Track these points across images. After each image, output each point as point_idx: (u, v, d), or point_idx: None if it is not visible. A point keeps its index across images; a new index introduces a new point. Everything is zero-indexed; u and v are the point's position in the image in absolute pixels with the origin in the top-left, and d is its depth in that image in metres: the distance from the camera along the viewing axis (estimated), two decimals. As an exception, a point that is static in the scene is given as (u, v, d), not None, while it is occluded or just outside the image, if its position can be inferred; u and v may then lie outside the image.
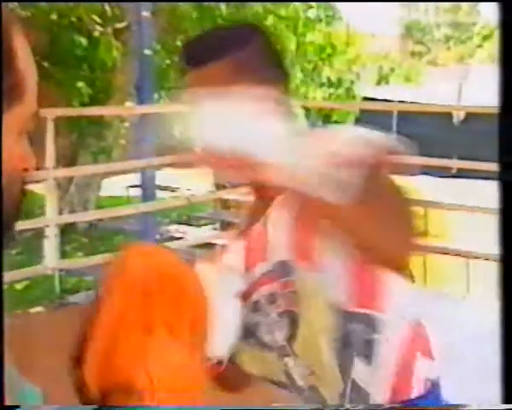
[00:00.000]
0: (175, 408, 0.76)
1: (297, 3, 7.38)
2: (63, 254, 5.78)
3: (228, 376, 1.11)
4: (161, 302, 0.81)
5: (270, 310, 1.10)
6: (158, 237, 6.20)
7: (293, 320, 1.09)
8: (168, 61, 6.98)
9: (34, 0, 6.08)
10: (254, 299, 1.11)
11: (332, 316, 1.06)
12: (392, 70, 10.22)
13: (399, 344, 1.09)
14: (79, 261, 6.11)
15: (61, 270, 5.50)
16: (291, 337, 1.10)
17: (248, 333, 1.12)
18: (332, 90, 8.16)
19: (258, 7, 6.93)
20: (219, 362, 1.06)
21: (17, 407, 0.70)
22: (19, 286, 6.05)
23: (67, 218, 6.60)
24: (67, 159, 7.37)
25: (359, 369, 1.07)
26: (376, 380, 1.08)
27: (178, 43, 6.92)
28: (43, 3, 6.30)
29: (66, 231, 6.51)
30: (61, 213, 7.38)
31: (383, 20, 21.42)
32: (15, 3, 6.77)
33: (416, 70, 12.42)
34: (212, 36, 1.13)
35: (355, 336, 1.06)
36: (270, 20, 7.02)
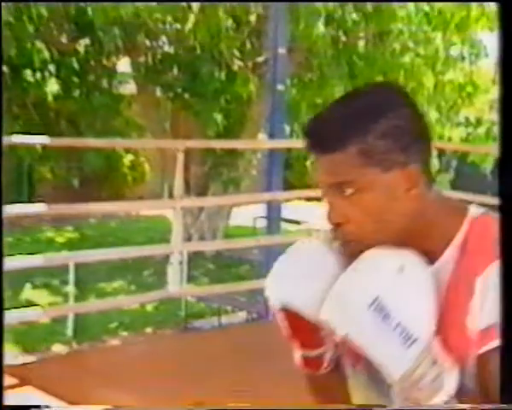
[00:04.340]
0: (175, 408, 0.76)
1: (438, 40, 7.19)
2: (191, 279, 5.98)
3: (327, 382, 1.12)
4: None
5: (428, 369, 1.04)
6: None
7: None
8: (301, 96, 7.07)
9: (36, 0, 6.12)
10: None
11: None
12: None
13: None
14: (203, 289, 6.28)
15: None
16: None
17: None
18: (470, 129, 7.83)
19: (396, 44, 6.84)
20: (319, 359, 1.08)
21: (17, 407, 0.72)
22: (149, 307, 6.31)
23: (189, 246, 6.82)
24: (200, 187, 7.65)
25: None
26: None
27: (313, 78, 6.99)
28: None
29: (194, 256, 6.74)
30: (190, 238, 7.64)
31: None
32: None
33: None
34: (336, 117, 1.01)
35: None
36: (407, 58, 6.91)
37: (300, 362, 1.10)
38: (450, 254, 1.02)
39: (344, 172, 0.99)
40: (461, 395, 0.96)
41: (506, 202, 0.90)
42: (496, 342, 0.96)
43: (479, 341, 0.98)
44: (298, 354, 1.09)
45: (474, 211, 1.05)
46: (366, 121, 0.99)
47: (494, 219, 1.02)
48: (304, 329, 1.04)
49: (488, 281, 0.98)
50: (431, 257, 1.02)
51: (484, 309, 0.98)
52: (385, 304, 0.93)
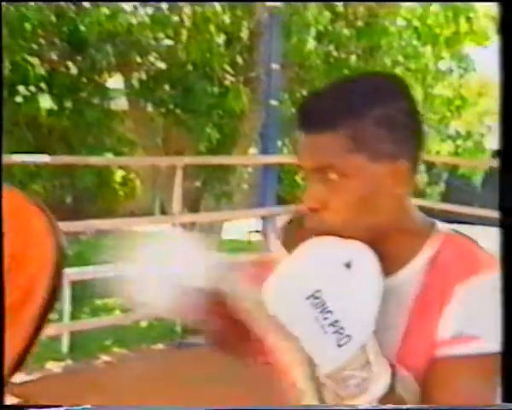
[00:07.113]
0: (174, 408, 0.77)
1: (428, 55, 7.28)
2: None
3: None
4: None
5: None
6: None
7: None
8: (293, 111, 7.12)
9: (35, 0, 6.10)
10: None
11: None
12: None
13: None
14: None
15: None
16: None
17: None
18: (460, 142, 7.91)
19: (386, 59, 6.91)
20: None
21: (17, 406, 0.74)
22: (143, 323, 6.28)
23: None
24: (192, 201, 7.64)
25: None
26: None
27: (304, 93, 7.04)
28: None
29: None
30: (184, 253, 7.62)
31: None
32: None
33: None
34: (331, 96, 0.97)
35: None
36: (398, 72, 6.98)
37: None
38: (418, 265, 0.99)
39: (330, 155, 0.95)
40: (390, 401, 0.92)
41: (506, 215, 0.92)
42: (463, 350, 0.93)
43: (444, 346, 0.95)
44: None
45: (444, 227, 1.04)
46: (361, 105, 0.95)
47: (464, 238, 1.02)
48: None
49: (468, 290, 0.95)
50: (394, 265, 1.00)
51: (456, 316, 0.95)
52: (324, 299, 0.89)
